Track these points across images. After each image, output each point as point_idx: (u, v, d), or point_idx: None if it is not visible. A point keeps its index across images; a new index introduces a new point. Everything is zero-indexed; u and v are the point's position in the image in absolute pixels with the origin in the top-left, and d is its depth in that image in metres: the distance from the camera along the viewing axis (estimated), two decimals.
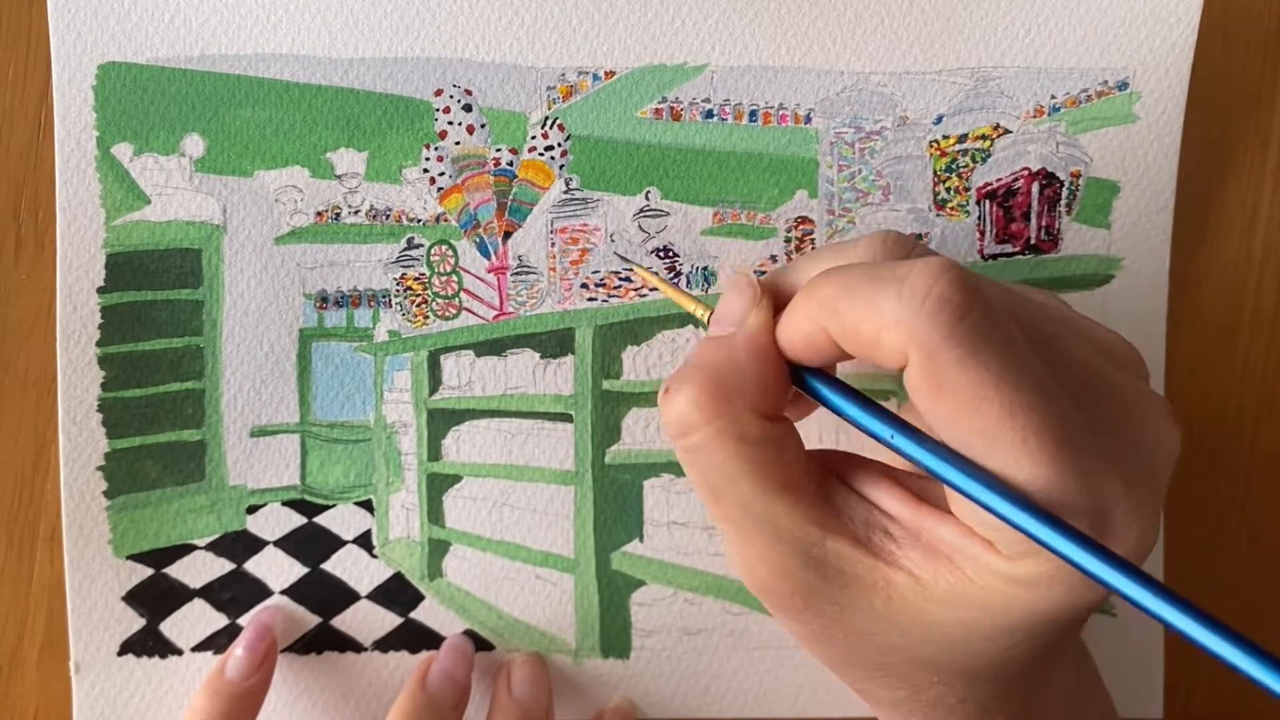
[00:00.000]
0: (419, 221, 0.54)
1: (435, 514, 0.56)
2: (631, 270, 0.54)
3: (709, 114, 0.54)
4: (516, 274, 0.55)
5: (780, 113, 0.54)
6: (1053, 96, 0.54)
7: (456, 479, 0.56)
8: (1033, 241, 0.54)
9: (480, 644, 0.56)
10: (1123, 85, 0.53)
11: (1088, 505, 0.35)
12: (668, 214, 0.54)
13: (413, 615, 0.56)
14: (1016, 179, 0.54)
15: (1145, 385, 0.40)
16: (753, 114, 0.54)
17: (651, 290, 0.55)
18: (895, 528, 0.39)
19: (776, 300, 0.41)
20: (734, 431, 0.38)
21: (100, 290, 0.53)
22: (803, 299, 0.38)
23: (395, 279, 0.55)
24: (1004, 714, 0.42)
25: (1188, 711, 0.58)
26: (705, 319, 0.44)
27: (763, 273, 0.54)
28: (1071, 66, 0.53)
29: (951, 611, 0.38)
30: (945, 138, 0.54)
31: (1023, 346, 0.36)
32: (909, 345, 0.35)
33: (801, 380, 0.40)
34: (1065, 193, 0.54)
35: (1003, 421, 0.34)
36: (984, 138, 0.54)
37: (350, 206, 0.54)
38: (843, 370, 0.46)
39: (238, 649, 0.53)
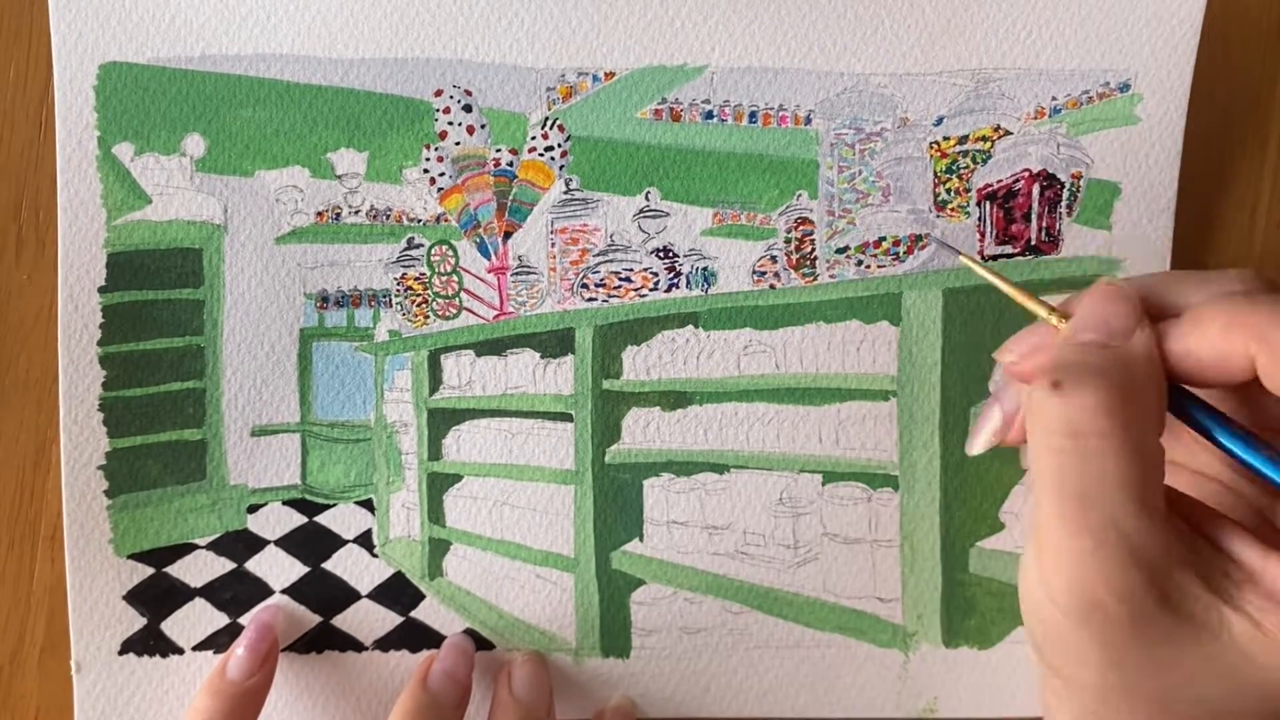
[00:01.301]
0: (419, 221, 0.54)
1: (436, 513, 0.56)
2: (631, 270, 0.55)
3: (709, 115, 0.54)
4: (517, 274, 0.55)
5: (780, 114, 0.54)
6: (1054, 98, 0.54)
7: (457, 478, 0.56)
8: (1033, 243, 0.54)
9: (481, 643, 0.56)
10: (1124, 87, 0.53)
11: None
12: (667, 214, 0.54)
13: (413, 614, 0.56)
14: (1017, 180, 0.54)
15: None
16: (752, 115, 0.53)
17: (651, 290, 0.55)
18: (1237, 571, 0.38)
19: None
20: (1135, 445, 0.38)
21: (101, 290, 0.53)
22: (1221, 317, 0.38)
23: (396, 279, 0.55)
24: None
25: None
26: (1056, 321, 0.43)
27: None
28: (1073, 68, 0.53)
29: None
30: (946, 139, 0.54)
31: None
32: None
33: (1180, 407, 0.40)
34: (1066, 194, 0.54)
35: None
36: (984, 139, 0.54)
37: (351, 206, 0.54)
38: None
39: (239, 649, 0.53)
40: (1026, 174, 0.54)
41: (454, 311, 0.55)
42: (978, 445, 0.47)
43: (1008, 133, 0.54)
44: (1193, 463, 0.43)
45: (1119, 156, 0.54)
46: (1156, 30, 0.53)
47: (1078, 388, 0.38)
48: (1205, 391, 0.41)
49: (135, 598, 0.55)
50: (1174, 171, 0.54)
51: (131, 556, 0.54)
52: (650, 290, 0.55)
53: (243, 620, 0.55)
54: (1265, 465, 0.38)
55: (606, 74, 0.53)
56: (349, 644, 0.56)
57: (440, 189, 0.54)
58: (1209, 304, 0.39)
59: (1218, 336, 0.38)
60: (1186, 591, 0.38)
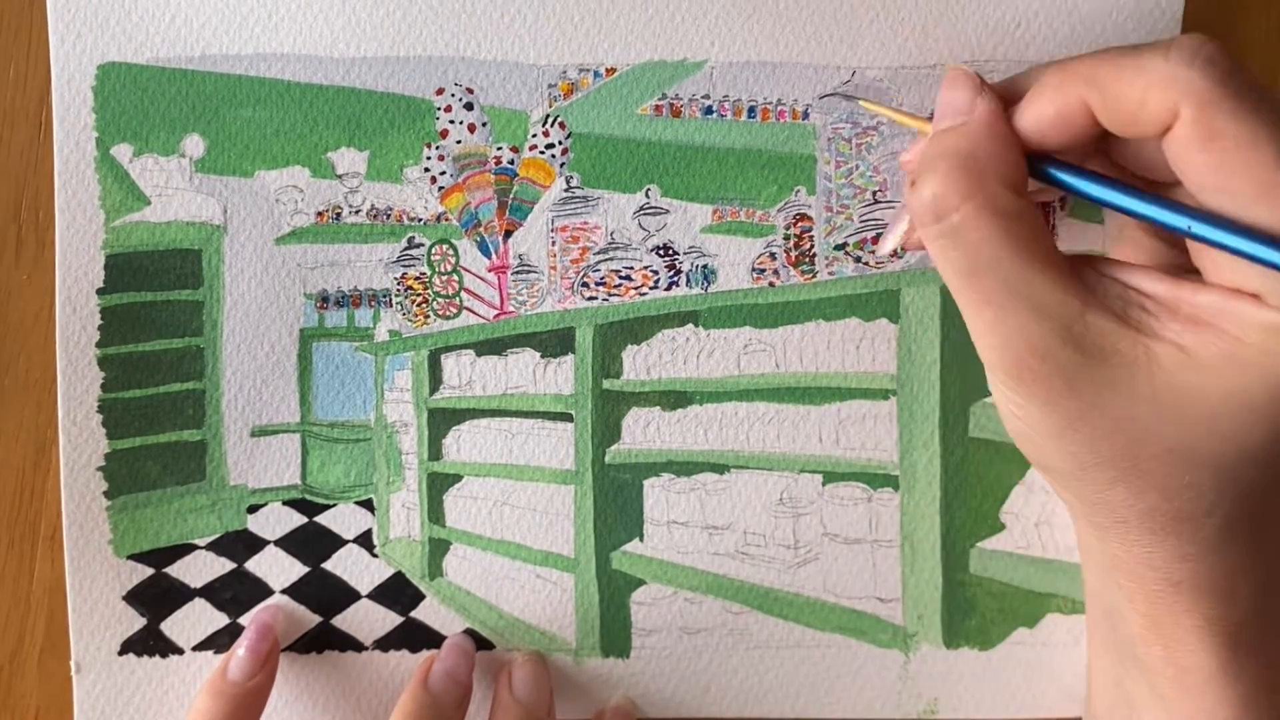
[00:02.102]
0: (420, 221, 0.54)
1: (436, 513, 0.56)
2: (632, 268, 0.55)
3: (708, 110, 0.54)
4: (517, 273, 0.55)
5: (778, 108, 0.54)
6: None
7: (457, 478, 0.56)
8: None
9: (481, 643, 0.56)
10: None
11: None
12: (667, 211, 0.54)
13: (413, 614, 0.56)
14: None
15: None
16: (751, 110, 0.54)
17: (651, 288, 0.55)
18: (1151, 304, 0.40)
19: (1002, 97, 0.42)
20: (991, 206, 0.40)
21: (100, 291, 0.53)
22: (1055, 76, 0.40)
23: (396, 278, 0.55)
24: (1241, 544, 0.41)
25: None
26: (926, 129, 0.45)
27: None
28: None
29: (1221, 379, 0.38)
30: None
31: None
32: (1181, 100, 0.37)
33: (1039, 171, 0.42)
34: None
35: (1275, 169, 0.36)
36: None
37: (351, 206, 0.54)
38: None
39: (240, 650, 0.53)
40: None
41: (454, 311, 0.55)
42: (884, 247, 0.49)
43: None
44: None
45: None
46: (1140, 21, 0.53)
47: (927, 175, 0.40)
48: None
49: (135, 598, 0.55)
50: None
51: (131, 557, 0.54)
52: (650, 288, 0.55)
53: (243, 620, 0.55)
54: (1131, 202, 0.40)
55: (608, 69, 0.53)
56: (349, 644, 0.56)
57: (441, 188, 0.54)
58: (1045, 69, 0.41)
59: (1054, 97, 0.40)
60: (1105, 331, 0.39)
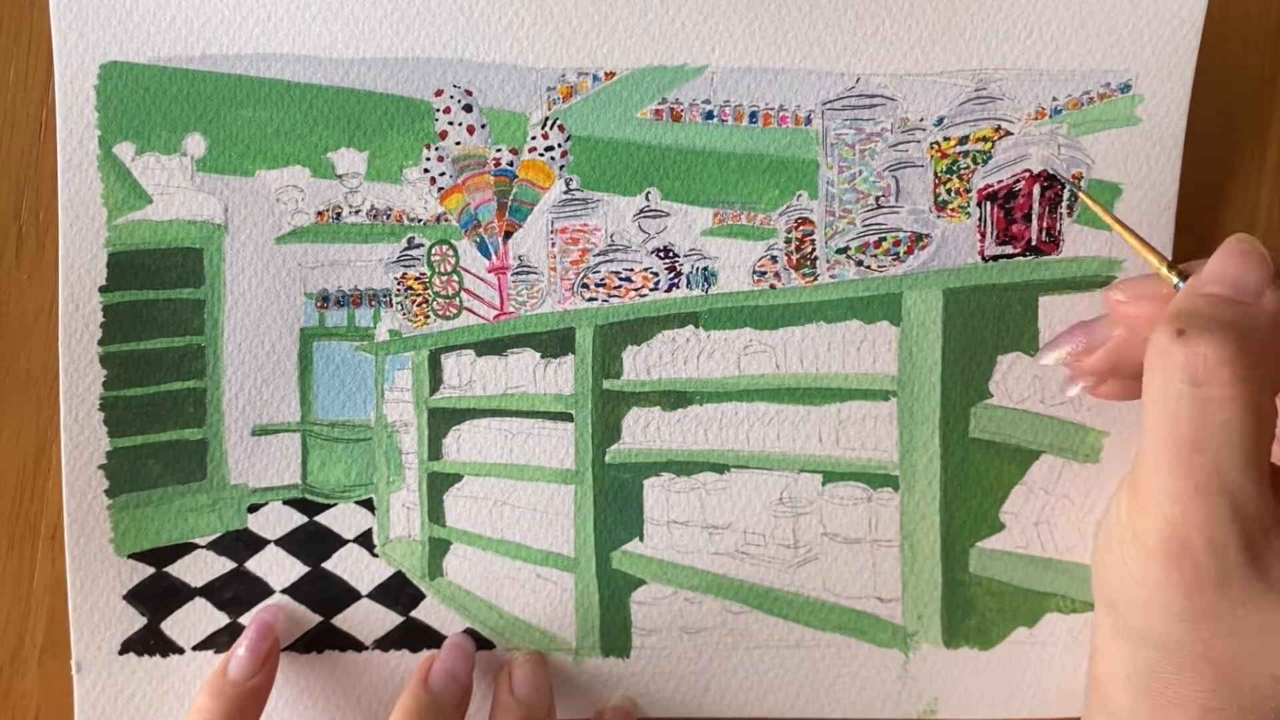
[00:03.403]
0: (420, 221, 0.54)
1: (436, 513, 0.56)
2: (632, 270, 0.55)
3: (709, 115, 0.54)
4: (517, 274, 0.55)
5: (780, 114, 0.54)
6: (1054, 98, 0.54)
7: (457, 478, 0.56)
8: (1034, 243, 0.54)
9: (481, 643, 0.56)
10: (1125, 87, 0.53)
11: None
12: (668, 214, 0.54)
13: (413, 614, 0.56)
14: (1018, 181, 0.54)
15: None
16: (753, 115, 0.54)
17: (651, 290, 0.55)
18: None
19: None
20: (1252, 402, 0.38)
21: (102, 289, 0.53)
22: None
23: (396, 278, 0.55)
24: None
25: None
26: (1168, 273, 0.44)
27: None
28: (1074, 69, 0.53)
29: None
30: (946, 139, 0.54)
31: None
32: None
33: None
34: (1067, 194, 0.54)
35: None
36: (985, 139, 0.54)
37: (351, 206, 0.54)
38: None
39: (240, 649, 0.53)
40: (1027, 174, 0.54)
41: (454, 311, 0.55)
42: (1049, 358, 0.48)
43: (1008, 133, 0.54)
44: None
45: (1120, 157, 0.54)
46: (1158, 31, 0.53)
47: (1203, 336, 0.38)
48: None
49: (135, 597, 0.55)
50: (1175, 172, 0.54)
51: (132, 556, 0.54)
52: (650, 290, 0.55)
53: (243, 620, 0.55)
54: None
55: (607, 74, 0.53)
56: (349, 644, 0.56)
57: (441, 189, 0.54)
58: None
59: None
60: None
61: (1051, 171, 0.53)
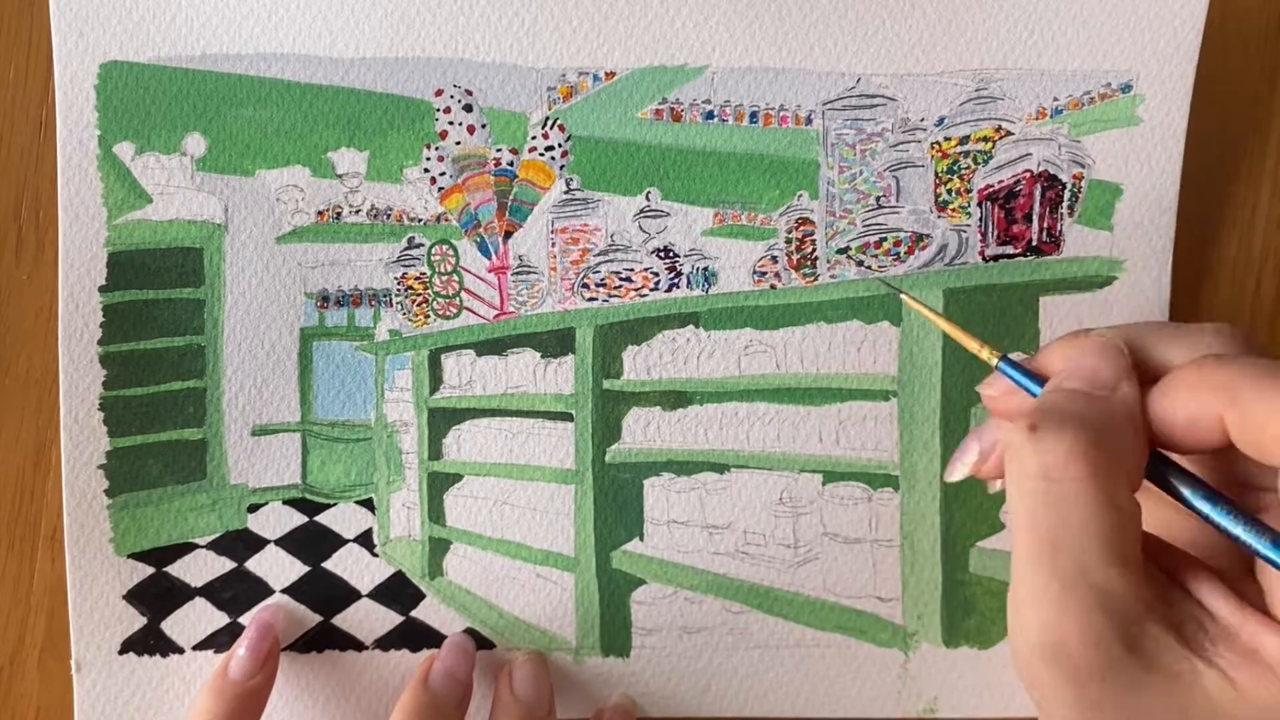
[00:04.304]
0: (420, 221, 0.54)
1: (436, 513, 0.56)
2: (632, 270, 0.55)
3: (709, 115, 0.54)
4: (517, 274, 0.55)
5: (781, 114, 0.54)
6: (1055, 99, 0.54)
7: (457, 478, 0.56)
8: (1034, 243, 0.54)
9: (481, 642, 0.56)
10: (1126, 88, 0.53)
11: None
12: (668, 214, 0.54)
13: (414, 614, 0.56)
14: (1018, 181, 0.54)
15: None
16: (753, 115, 0.53)
17: (652, 290, 0.55)
18: (1212, 625, 0.39)
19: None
20: (1107, 496, 0.38)
21: (102, 289, 0.53)
22: (1194, 381, 0.38)
23: (396, 278, 0.55)
24: None
25: None
26: (987, 356, 0.43)
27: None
28: (1074, 69, 0.53)
29: None
30: (947, 139, 0.54)
31: None
32: None
33: (1156, 471, 0.40)
34: (1067, 194, 0.54)
35: None
36: (986, 139, 0.54)
37: (351, 206, 0.54)
38: None
39: (240, 649, 0.53)
40: (1028, 174, 0.54)
41: (454, 311, 0.55)
42: (954, 475, 0.46)
43: (1009, 133, 0.54)
44: (1176, 510, 0.43)
45: (1120, 157, 0.54)
46: (1159, 31, 0.53)
47: (1054, 432, 0.38)
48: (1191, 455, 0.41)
49: (135, 597, 0.55)
50: (1175, 172, 0.54)
51: (132, 556, 0.54)
52: (651, 290, 0.55)
53: (243, 620, 0.55)
54: (1236, 528, 0.38)
55: (607, 74, 0.53)
56: (349, 643, 0.56)
57: (441, 188, 0.54)
58: (1181, 369, 0.39)
59: (1188, 400, 0.38)
60: (1159, 641, 0.38)
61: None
